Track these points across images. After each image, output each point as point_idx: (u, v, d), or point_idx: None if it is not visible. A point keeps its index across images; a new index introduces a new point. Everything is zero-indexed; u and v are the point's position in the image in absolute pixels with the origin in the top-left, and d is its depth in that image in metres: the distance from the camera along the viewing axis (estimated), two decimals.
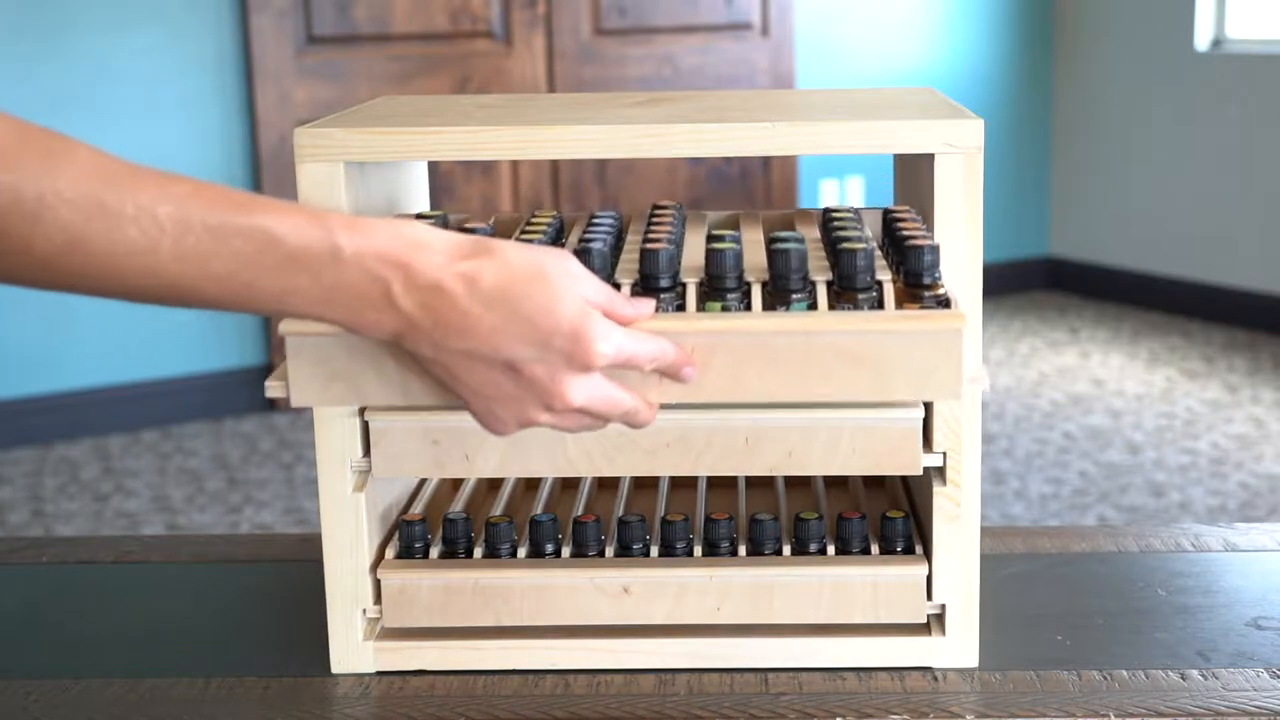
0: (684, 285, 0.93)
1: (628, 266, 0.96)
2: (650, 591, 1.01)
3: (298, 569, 1.19)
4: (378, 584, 1.02)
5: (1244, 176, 4.97)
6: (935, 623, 1.01)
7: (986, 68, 5.44)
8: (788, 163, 4.79)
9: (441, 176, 4.35)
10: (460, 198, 4.41)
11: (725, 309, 0.92)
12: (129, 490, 3.77)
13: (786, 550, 1.03)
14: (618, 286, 0.93)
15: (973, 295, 0.99)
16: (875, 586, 1.01)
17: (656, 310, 0.90)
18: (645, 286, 0.93)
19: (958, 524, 0.99)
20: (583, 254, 0.92)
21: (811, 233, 1.06)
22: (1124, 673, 1.00)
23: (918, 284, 0.92)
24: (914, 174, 1.07)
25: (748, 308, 0.92)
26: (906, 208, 1.03)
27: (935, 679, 1.00)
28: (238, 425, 4.26)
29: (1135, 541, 1.22)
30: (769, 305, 0.92)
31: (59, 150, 0.77)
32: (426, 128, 1.00)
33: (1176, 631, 1.06)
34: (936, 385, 0.87)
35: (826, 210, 1.06)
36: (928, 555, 1.01)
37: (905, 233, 0.95)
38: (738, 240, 0.95)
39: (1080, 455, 3.84)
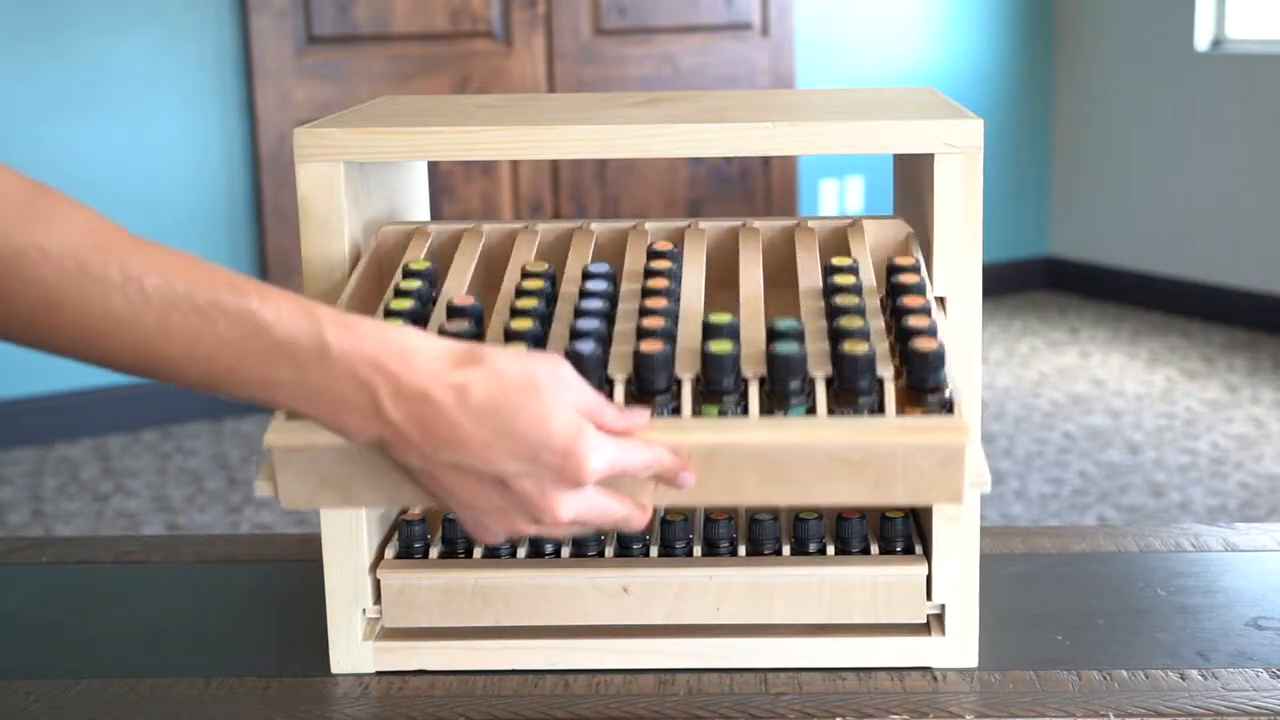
0: (680, 383, 0.90)
1: (621, 354, 0.92)
2: (650, 591, 1.01)
3: (298, 569, 1.19)
4: (378, 584, 1.02)
5: (1244, 176, 4.98)
6: (935, 623, 1.01)
7: (986, 68, 5.44)
8: (788, 163, 4.79)
9: (441, 176, 4.35)
10: (460, 198, 4.41)
11: (722, 412, 0.89)
12: (129, 490, 3.77)
13: (786, 550, 1.03)
14: (612, 384, 0.89)
15: (973, 295, 0.99)
16: (875, 586, 1.01)
17: (651, 416, 0.86)
18: (640, 389, 0.89)
19: (958, 524, 0.99)
20: (574, 357, 0.88)
21: (811, 273, 1.01)
22: (1124, 673, 1.00)
23: (921, 387, 0.88)
24: (914, 174, 1.07)
25: (745, 408, 0.89)
26: (910, 261, 0.99)
27: (935, 679, 1.00)
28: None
29: (1135, 541, 1.22)
30: (766, 408, 0.89)
31: (52, 208, 0.75)
32: (426, 128, 1.00)
33: (1176, 631, 1.06)
34: (938, 493, 0.85)
35: (827, 267, 0.99)
36: (928, 555, 1.01)
37: (910, 324, 0.91)
38: (735, 333, 0.91)
39: (1080, 455, 3.84)
